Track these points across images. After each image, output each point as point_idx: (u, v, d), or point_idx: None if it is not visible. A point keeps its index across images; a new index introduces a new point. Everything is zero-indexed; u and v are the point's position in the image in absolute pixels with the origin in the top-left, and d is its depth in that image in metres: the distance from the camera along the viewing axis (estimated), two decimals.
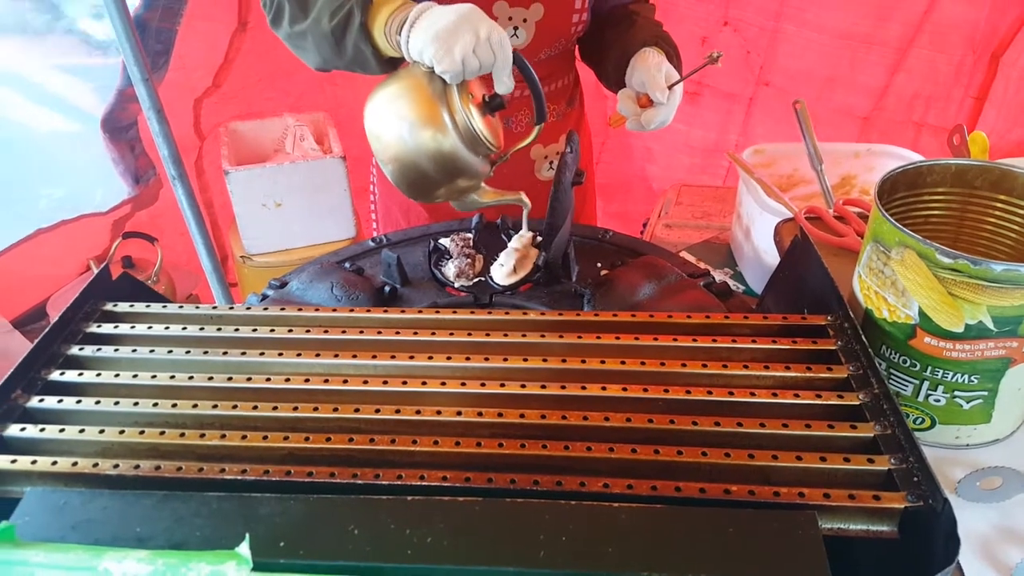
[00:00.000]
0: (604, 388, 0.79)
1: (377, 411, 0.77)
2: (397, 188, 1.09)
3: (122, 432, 0.76)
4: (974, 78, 2.05)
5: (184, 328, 0.91)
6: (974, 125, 2.06)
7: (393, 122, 1.03)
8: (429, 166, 1.03)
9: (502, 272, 1.15)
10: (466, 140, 1.03)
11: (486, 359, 0.84)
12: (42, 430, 0.77)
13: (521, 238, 1.21)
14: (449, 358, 0.84)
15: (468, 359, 0.84)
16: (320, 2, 1.06)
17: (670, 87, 1.19)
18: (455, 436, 0.74)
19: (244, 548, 0.54)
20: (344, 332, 0.89)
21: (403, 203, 1.61)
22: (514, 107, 1.42)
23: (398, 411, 0.77)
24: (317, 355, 0.86)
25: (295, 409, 0.78)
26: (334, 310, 0.95)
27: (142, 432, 0.76)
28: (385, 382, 0.81)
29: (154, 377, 0.83)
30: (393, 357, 0.85)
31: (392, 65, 1.07)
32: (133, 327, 0.92)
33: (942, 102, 2.13)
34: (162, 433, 0.75)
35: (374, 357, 0.85)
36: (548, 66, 1.43)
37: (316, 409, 0.78)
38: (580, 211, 1.69)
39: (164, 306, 0.96)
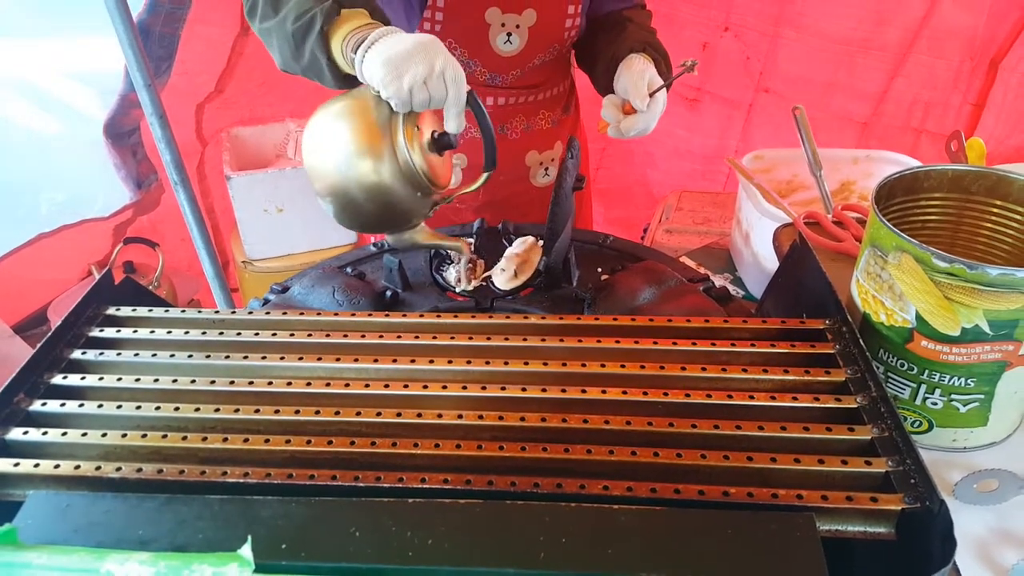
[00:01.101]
0: (604, 391, 0.79)
1: (379, 414, 0.77)
2: (327, 214, 1.04)
3: (124, 435, 0.76)
4: (973, 84, 2.06)
5: (186, 332, 0.91)
6: (973, 131, 2.06)
7: (331, 143, 0.99)
8: (360, 194, 0.99)
9: (503, 277, 1.16)
10: (405, 176, 0.98)
11: (487, 363, 0.84)
12: (45, 434, 0.77)
13: (524, 242, 1.22)
14: (450, 362, 0.85)
15: (469, 363, 0.84)
16: (291, 2, 1.04)
17: (652, 94, 1.19)
18: (456, 439, 0.75)
19: (246, 550, 0.54)
20: (346, 336, 0.90)
21: None
22: (509, 112, 1.43)
23: (399, 414, 0.77)
24: (319, 359, 0.86)
25: (297, 412, 0.78)
26: (335, 314, 0.95)
27: (144, 435, 0.76)
28: (386, 385, 0.82)
29: (156, 381, 0.84)
30: (394, 361, 0.85)
31: (348, 82, 1.03)
32: (136, 331, 0.92)
33: (941, 108, 2.13)
34: (164, 436, 0.76)
35: (375, 361, 0.85)
36: (543, 72, 1.44)
37: (318, 412, 0.78)
38: (577, 216, 1.70)
39: (166, 310, 0.96)
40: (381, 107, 0.98)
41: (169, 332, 0.92)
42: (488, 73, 1.38)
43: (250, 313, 0.97)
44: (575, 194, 1.20)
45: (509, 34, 1.33)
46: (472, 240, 1.25)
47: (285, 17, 1.03)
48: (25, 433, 0.77)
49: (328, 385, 0.82)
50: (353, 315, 0.94)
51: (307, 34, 1.01)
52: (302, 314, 0.95)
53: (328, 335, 0.90)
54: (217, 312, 0.95)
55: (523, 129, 1.47)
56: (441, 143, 1.02)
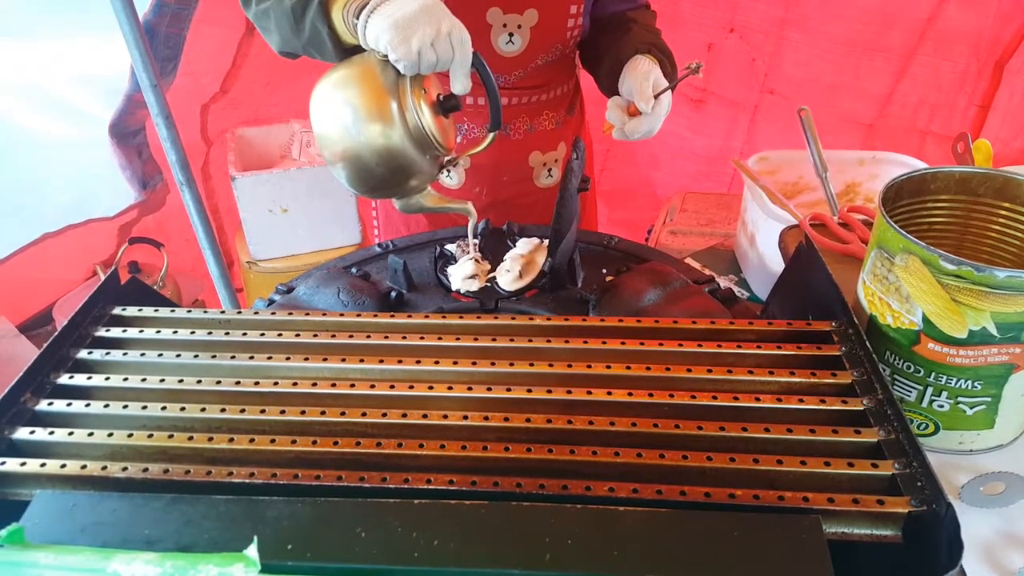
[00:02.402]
0: (609, 393, 0.79)
1: (384, 415, 0.78)
2: (337, 179, 1.07)
3: (130, 435, 0.76)
4: (978, 86, 2.06)
5: (192, 332, 0.91)
6: (978, 133, 2.06)
7: (339, 109, 1.00)
8: (371, 158, 1.00)
9: (508, 278, 1.16)
10: (414, 138, 1.00)
11: (492, 364, 0.84)
12: (51, 433, 0.77)
13: (528, 243, 1.22)
14: (455, 363, 0.85)
15: (474, 364, 0.84)
16: None
17: (657, 96, 1.19)
18: (461, 440, 0.75)
19: (252, 550, 0.54)
20: (351, 337, 0.90)
21: None
22: (513, 113, 1.43)
23: (405, 415, 0.77)
24: (324, 359, 0.86)
25: (302, 413, 0.78)
26: (341, 315, 0.95)
27: (150, 435, 0.76)
28: (392, 386, 0.82)
29: (162, 381, 0.84)
30: (400, 362, 0.85)
31: (349, 54, 1.04)
32: (142, 331, 0.92)
33: (946, 110, 2.13)
34: (170, 436, 0.76)
35: (381, 361, 0.85)
36: (547, 73, 1.43)
37: (323, 413, 0.78)
38: (582, 217, 1.69)
39: (172, 310, 0.96)
40: (387, 71, 0.99)
41: (175, 332, 0.92)
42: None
43: (255, 313, 0.97)
44: (580, 195, 1.20)
45: (511, 34, 1.33)
46: (476, 240, 1.25)
47: None
48: (32, 432, 0.78)
49: (334, 386, 0.82)
50: (358, 316, 0.94)
51: (307, 7, 1.02)
52: (307, 315, 0.95)
53: (333, 336, 0.90)
54: (223, 312, 0.95)
55: (526, 130, 1.47)
56: (447, 105, 1.04)
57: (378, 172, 1.02)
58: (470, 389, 0.81)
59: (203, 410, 0.79)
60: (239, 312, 0.97)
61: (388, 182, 1.06)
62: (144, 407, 0.80)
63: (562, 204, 1.09)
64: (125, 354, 0.89)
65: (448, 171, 1.40)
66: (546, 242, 1.20)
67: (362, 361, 0.86)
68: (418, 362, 0.85)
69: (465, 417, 0.77)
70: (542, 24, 1.33)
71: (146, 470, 0.72)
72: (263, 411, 0.79)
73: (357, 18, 0.97)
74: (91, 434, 0.77)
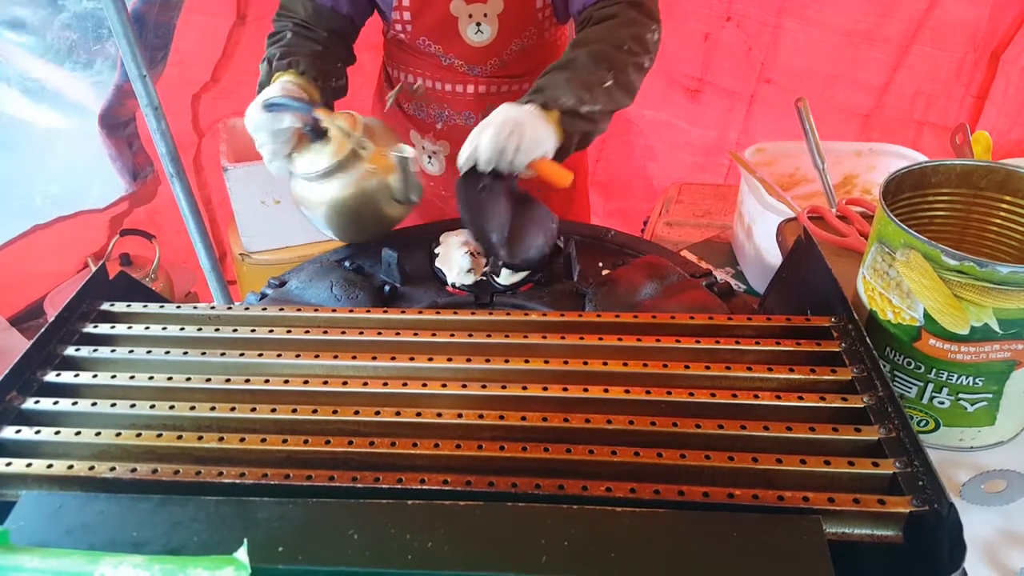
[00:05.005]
0: (606, 390, 0.78)
1: (377, 413, 0.76)
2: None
3: (119, 434, 0.75)
4: (975, 77, 2.05)
5: (182, 329, 0.90)
6: (975, 124, 2.05)
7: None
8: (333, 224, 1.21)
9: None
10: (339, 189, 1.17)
11: (487, 360, 0.83)
12: (38, 432, 0.76)
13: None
14: (450, 359, 0.83)
15: (469, 360, 0.83)
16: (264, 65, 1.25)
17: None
18: (456, 439, 0.73)
19: (242, 553, 0.53)
20: (344, 333, 0.89)
21: None
22: (492, 100, 1.42)
23: (398, 413, 0.76)
24: (316, 356, 0.85)
25: (294, 411, 0.77)
26: (333, 310, 0.94)
27: (139, 434, 0.75)
28: (385, 384, 0.80)
29: (151, 378, 0.83)
30: (393, 358, 0.84)
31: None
32: (130, 327, 0.91)
33: (943, 100, 2.12)
34: (159, 435, 0.75)
35: (374, 358, 0.84)
36: (526, 61, 1.40)
37: (315, 411, 0.77)
38: (568, 208, 1.68)
39: (162, 306, 0.95)
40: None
41: (164, 328, 0.90)
42: (466, 65, 1.36)
43: (246, 309, 0.95)
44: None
45: (478, 24, 1.31)
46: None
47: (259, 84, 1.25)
48: (18, 432, 0.76)
49: (326, 383, 0.81)
50: (351, 311, 0.93)
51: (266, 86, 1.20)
52: (299, 311, 0.94)
53: (326, 332, 0.89)
54: (212, 308, 0.94)
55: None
56: (317, 131, 1.17)
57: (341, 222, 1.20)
58: (464, 387, 0.79)
59: (192, 408, 0.78)
60: (229, 308, 0.95)
61: (357, 223, 1.20)
62: (132, 405, 0.79)
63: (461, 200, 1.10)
64: (113, 351, 0.87)
65: (429, 158, 1.51)
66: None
67: (355, 358, 0.84)
68: (412, 359, 0.84)
69: (460, 415, 0.76)
70: (508, 10, 1.31)
71: (134, 470, 0.71)
72: (254, 409, 0.78)
73: None
74: (78, 433, 0.75)
